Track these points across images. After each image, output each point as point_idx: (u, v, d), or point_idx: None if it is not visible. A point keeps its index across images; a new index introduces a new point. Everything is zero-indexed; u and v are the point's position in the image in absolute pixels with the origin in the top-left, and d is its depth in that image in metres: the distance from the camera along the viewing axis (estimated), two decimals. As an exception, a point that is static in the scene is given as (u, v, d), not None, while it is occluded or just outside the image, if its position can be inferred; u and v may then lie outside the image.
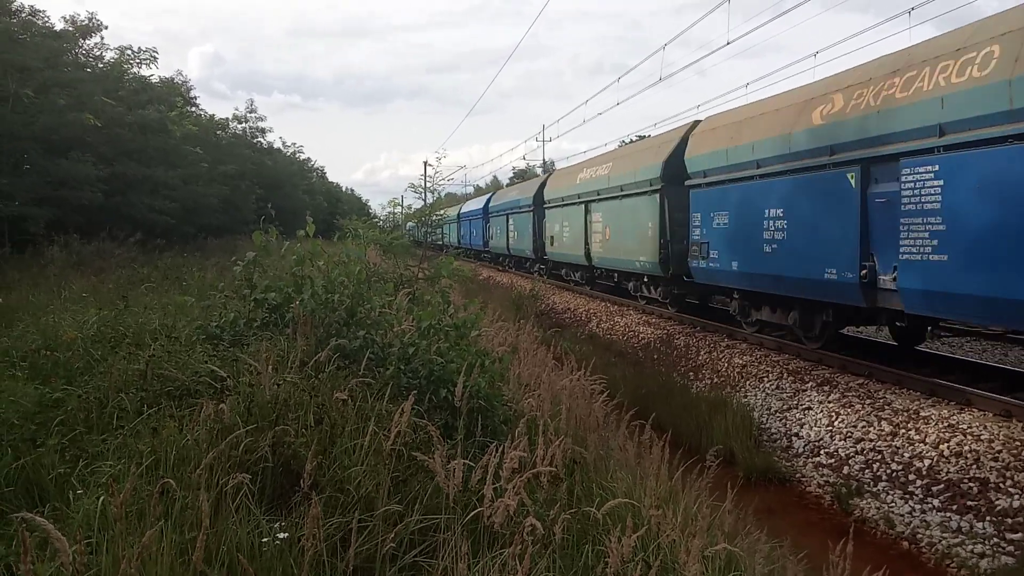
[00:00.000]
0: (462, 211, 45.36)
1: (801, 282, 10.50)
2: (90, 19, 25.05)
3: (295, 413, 4.22)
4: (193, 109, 36.39)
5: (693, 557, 2.96)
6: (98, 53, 26.62)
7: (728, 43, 19.15)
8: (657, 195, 15.45)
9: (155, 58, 27.97)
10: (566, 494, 4.02)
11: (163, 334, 6.31)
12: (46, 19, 22.79)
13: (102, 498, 3.25)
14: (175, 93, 33.11)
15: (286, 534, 3.18)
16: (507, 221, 32.07)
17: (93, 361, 5.92)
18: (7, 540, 3.32)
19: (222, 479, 3.40)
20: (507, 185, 56.57)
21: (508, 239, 31.87)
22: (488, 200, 38.26)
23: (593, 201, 19.84)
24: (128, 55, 27.44)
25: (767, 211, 11.21)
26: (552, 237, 24.36)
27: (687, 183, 14.03)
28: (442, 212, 13.97)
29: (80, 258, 18.07)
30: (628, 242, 17.29)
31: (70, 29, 24.36)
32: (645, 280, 17.48)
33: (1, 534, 3.47)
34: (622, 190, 17.63)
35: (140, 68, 28.21)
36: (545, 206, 25.34)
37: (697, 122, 15.18)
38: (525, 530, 3.01)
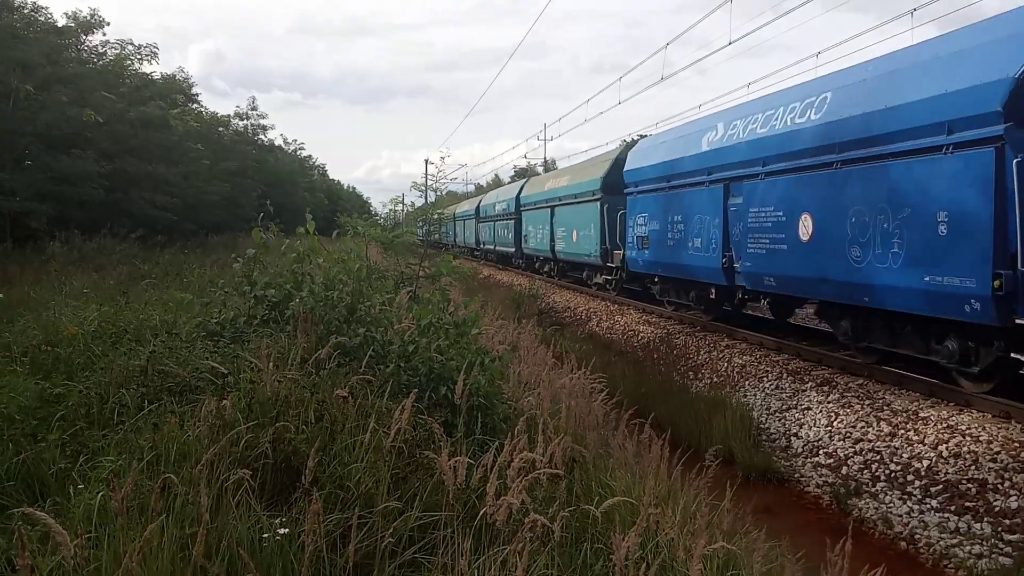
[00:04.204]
0: (457, 212, 48.06)
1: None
2: (92, 15, 25.07)
3: (296, 410, 4.22)
4: (195, 106, 36.41)
5: (696, 557, 2.97)
6: (101, 50, 26.63)
7: (730, 43, 19.34)
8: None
9: (155, 54, 27.98)
10: (565, 492, 4.03)
11: (164, 330, 6.32)
12: (49, 15, 22.81)
13: (103, 493, 3.26)
14: (177, 90, 33.13)
15: (286, 530, 3.19)
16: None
17: (94, 357, 5.93)
18: (8, 534, 3.34)
19: (223, 475, 3.41)
20: (509, 182, 57.61)
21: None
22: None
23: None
24: (129, 50, 27.44)
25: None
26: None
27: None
28: (442, 211, 14.40)
29: (81, 254, 18.08)
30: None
31: (72, 25, 24.37)
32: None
33: (2, 528, 3.49)
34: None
35: (141, 64, 28.23)
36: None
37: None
38: (527, 528, 3.02)
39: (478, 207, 40.48)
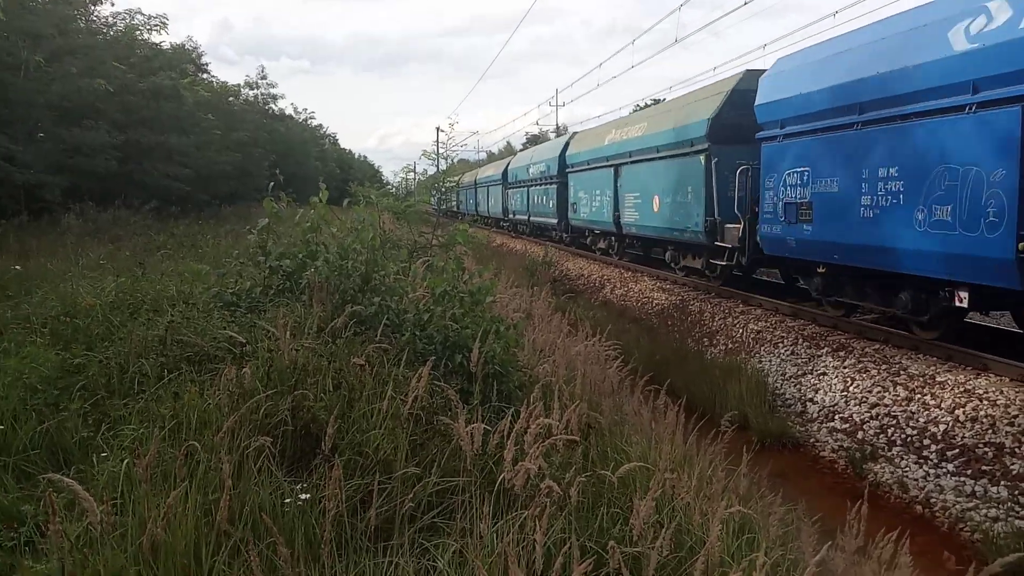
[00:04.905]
0: (479, 178, 43.82)
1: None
2: (100, -15, 24.87)
3: (313, 378, 4.26)
4: (204, 76, 36.26)
5: (716, 519, 2.98)
6: (111, 21, 26.50)
7: (745, 3, 18.68)
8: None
9: (165, 24, 27.77)
10: (581, 457, 4.06)
11: (181, 301, 6.37)
12: (57, -15, 22.63)
13: (126, 460, 3.31)
14: (186, 60, 32.97)
15: (308, 495, 3.24)
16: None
17: (112, 327, 5.99)
18: (35, 501, 3.41)
19: (244, 442, 3.46)
20: (521, 149, 55.50)
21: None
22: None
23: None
24: (139, 20, 27.28)
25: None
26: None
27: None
28: (457, 178, 13.99)
29: (96, 225, 18.22)
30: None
31: (80, -5, 24.22)
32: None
33: (29, 495, 3.56)
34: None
35: (150, 34, 28.06)
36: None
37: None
38: (543, 492, 3.05)
39: (505, 171, 35.22)
